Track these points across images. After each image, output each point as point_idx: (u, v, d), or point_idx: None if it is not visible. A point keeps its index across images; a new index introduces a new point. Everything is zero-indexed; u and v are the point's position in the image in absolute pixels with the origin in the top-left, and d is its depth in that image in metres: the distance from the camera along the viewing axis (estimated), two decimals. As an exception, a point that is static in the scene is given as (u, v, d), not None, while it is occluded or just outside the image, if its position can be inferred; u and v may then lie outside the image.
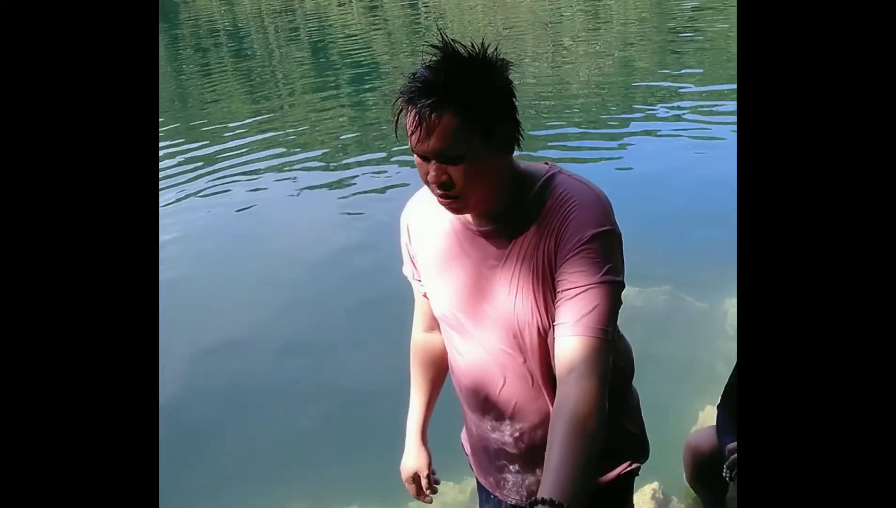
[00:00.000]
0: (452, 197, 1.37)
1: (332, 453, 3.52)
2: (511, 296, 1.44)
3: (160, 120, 9.81)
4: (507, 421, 1.57)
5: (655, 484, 2.94)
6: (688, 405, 3.29)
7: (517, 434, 1.58)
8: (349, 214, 6.22)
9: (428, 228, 1.56)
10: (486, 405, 1.58)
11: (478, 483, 1.81)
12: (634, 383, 1.72)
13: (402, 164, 6.98)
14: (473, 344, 1.54)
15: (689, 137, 6.98)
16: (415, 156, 1.36)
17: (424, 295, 1.66)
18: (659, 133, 7.40)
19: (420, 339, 1.79)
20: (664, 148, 6.89)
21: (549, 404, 1.49)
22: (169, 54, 16.07)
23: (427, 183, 1.38)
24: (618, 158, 6.83)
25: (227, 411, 3.94)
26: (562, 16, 14.92)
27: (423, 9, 17.77)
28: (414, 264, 1.63)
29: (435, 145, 1.32)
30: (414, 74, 1.34)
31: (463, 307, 1.51)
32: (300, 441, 3.66)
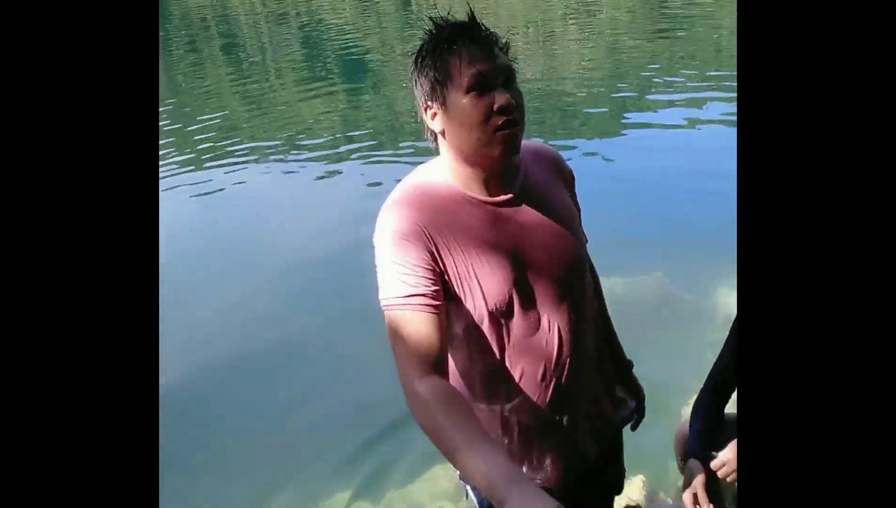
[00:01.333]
0: (515, 123, 1.40)
1: (326, 445, 3.54)
2: (567, 239, 1.53)
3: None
4: (570, 366, 1.56)
5: (643, 476, 2.96)
6: (675, 398, 3.30)
7: (581, 378, 1.60)
8: (342, 201, 6.23)
9: (449, 222, 1.44)
10: (551, 368, 1.55)
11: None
12: None
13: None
14: (530, 317, 1.51)
15: (682, 120, 7.03)
16: (467, 98, 1.37)
17: (439, 316, 1.40)
18: (650, 124, 7.42)
19: (443, 383, 1.37)
20: (656, 137, 6.92)
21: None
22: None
23: (485, 122, 1.37)
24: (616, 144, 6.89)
25: (222, 400, 3.96)
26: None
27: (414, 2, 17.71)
28: (443, 273, 1.43)
29: (505, 62, 1.40)
30: (436, 25, 1.41)
31: (520, 280, 1.48)
32: (294, 431, 3.67)
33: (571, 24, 12.72)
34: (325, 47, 13.95)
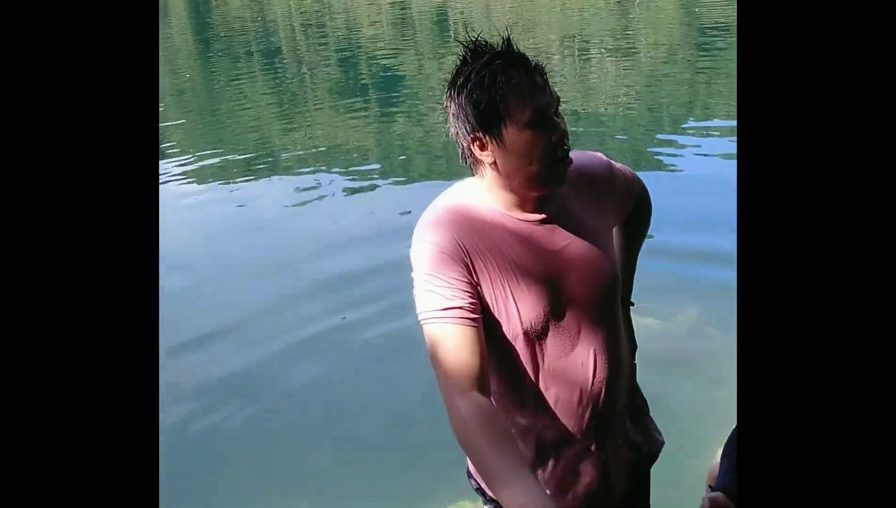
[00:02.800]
0: (568, 153, 1.42)
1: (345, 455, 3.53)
2: (602, 260, 1.50)
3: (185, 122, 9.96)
4: (606, 393, 1.53)
5: None
6: (708, 436, 3.22)
7: (613, 393, 1.56)
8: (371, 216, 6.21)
9: (486, 238, 1.43)
10: (587, 394, 1.52)
11: None
12: (657, 407, 1.82)
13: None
14: (565, 338, 1.48)
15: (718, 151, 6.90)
16: (527, 133, 1.36)
17: (478, 330, 1.39)
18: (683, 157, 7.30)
19: (483, 401, 1.35)
20: (690, 168, 6.79)
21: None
22: (200, 60, 16.25)
23: (545, 156, 1.37)
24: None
25: (233, 409, 3.95)
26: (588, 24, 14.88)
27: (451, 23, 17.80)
28: (478, 288, 1.41)
29: (555, 92, 1.40)
30: (475, 51, 1.38)
31: (556, 301, 1.46)
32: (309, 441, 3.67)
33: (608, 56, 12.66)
34: (360, 64, 14.05)
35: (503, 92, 1.34)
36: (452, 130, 1.43)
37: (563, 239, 1.47)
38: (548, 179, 1.41)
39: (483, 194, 1.46)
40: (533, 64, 1.38)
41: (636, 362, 1.73)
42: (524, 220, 1.45)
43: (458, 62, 1.40)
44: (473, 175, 1.48)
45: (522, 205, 1.45)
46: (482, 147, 1.40)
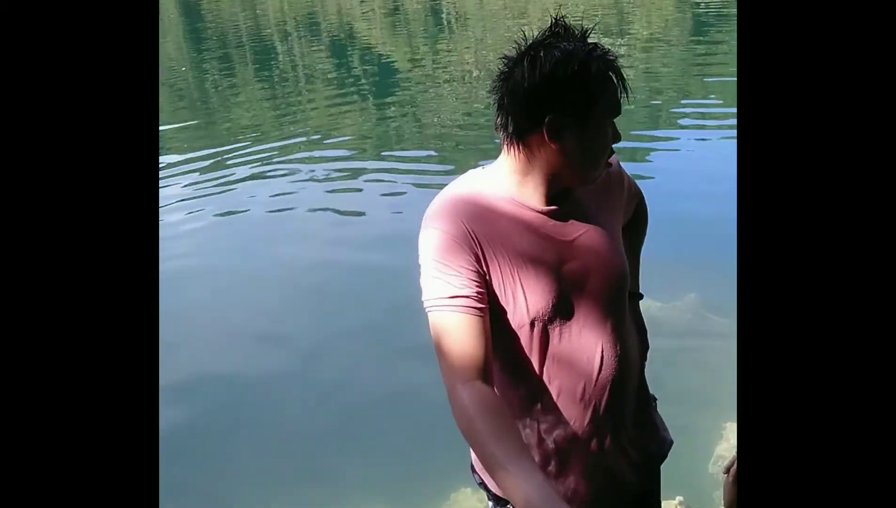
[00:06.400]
0: None
1: (352, 453, 3.53)
2: (612, 254, 1.49)
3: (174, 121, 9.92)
4: (612, 388, 1.50)
5: (680, 498, 2.92)
6: (712, 421, 3.24)
7: (623, 393, 1.54)
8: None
9: (497, 227, 1.41)
10: (591, 388, 1.49)
11: None
12: (660, 394, 1.77)
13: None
14: (573, 331, 1.46)
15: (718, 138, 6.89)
16: (607, 124, 1.38)
17: (484, 319, 1.37)
18: (682, 140, 7.28)
19: (486, 391, 1.33)
20: (691, 156, 6.77)
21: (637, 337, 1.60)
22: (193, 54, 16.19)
23: (607, 148, 1.41)
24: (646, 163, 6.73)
25: (240, 410, 3.98)
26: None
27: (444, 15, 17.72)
28: (486, 277, 1.39)
29: None
30: (569, 32, 1.35)
31: (565, 292, 1.44)
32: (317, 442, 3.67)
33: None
34: (353, 55, 14.00)
35: (605, 78, 1.34)
36: (514, 100, 1.35)
37: (575, 231, 1.46)
38: (594, 172, 1.43)
39: (499, 181, 1.43)
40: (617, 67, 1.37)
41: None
42: (537, 210, 1.43)
43: (544, 35, 1.33)
44: (505, 153, 1.42)
45: (540, 195, 1.43)
46: (555, 128, 1.34)
